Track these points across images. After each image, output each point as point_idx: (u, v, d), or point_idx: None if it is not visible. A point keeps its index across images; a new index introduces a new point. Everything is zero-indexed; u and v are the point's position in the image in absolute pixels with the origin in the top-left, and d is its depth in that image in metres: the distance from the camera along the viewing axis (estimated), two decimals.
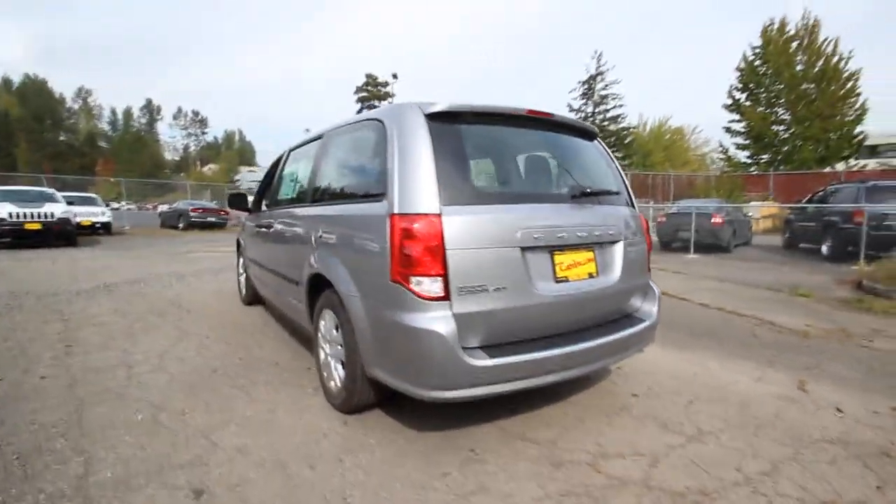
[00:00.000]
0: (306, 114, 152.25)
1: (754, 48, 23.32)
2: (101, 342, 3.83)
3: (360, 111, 33.46)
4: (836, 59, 20.94)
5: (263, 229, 3.90)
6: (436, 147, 2.03)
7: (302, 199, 3.14)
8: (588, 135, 2.69)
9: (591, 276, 2.32)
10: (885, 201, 8.09)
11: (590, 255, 2.33)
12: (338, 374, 2.54)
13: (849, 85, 20.70)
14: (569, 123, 2.54)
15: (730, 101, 24.43)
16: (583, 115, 38.24)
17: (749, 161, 24.53)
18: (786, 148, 22.58)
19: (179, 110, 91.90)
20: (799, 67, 21.83)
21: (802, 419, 2.57)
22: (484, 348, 1.97)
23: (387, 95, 31.52)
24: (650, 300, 2.65)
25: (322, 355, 2.78)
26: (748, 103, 23.70)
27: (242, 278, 5.24)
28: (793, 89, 22.04)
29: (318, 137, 3.10)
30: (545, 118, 2.43)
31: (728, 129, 24.57)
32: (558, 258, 2.21)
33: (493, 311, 1.98)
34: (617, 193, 2.60)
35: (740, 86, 24.12)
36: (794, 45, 22.16)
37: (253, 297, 5.01)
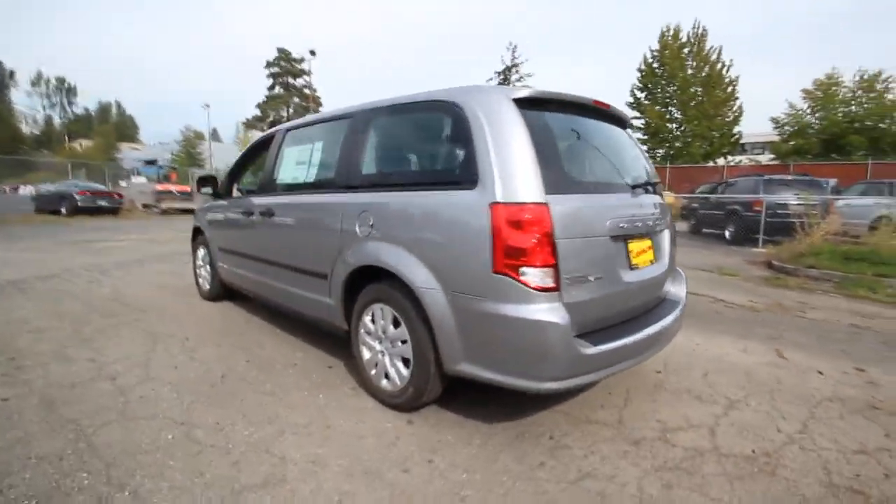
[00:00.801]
0: (205, 88, 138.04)
1: (653, 51, 25.75)
2: (54, 351, 3.20)
3: (272, 87, 31.17)
4: (719, 65, 23.91)
5: (251, 217, 3.50)
6: (530, 133, 1.98)
7: (325, 185, 2.87)
8: (624, 123, 2.79)
9: (651, 263, 2.45)
10: (778, 192, 9.50)
11: (649, 242, 2.45)
12: (397, 371, 2.40)
13: (729, 90, 23.78)
14: (615, 114, 2.61)
15: (632, 100, 26.81)
16: None
17: (648, 155, 27.24)
18: (678, 144, 25.39)
19: (40, 76, 77.99)
20: (690, 71, 24.58)
21: (797, 382, 2.97)
22: (582, 336, 1.99)
23: (302, 72, 29.66)
24: (680, 283, 2.86)
25: (366, 353, 2.60)
26: (647, 102, 26.19)
27: (203, 271, 4.68)
28: (684, 91, 24.77)
29: (345, 117, 2.84)
30: (603, 109, 2.48)
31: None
32: (631, 246, 2.29)
33: (592, 300, 2.01)
34: (659, 183, 2.76)
35: (640, 85, 26.55)
36: (686, 50, 24.87)
37: (219, 292, 4.51)
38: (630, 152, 2.71)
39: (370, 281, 2.53)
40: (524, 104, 2.07)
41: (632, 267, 2.27)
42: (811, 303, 5.15)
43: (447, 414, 2.44)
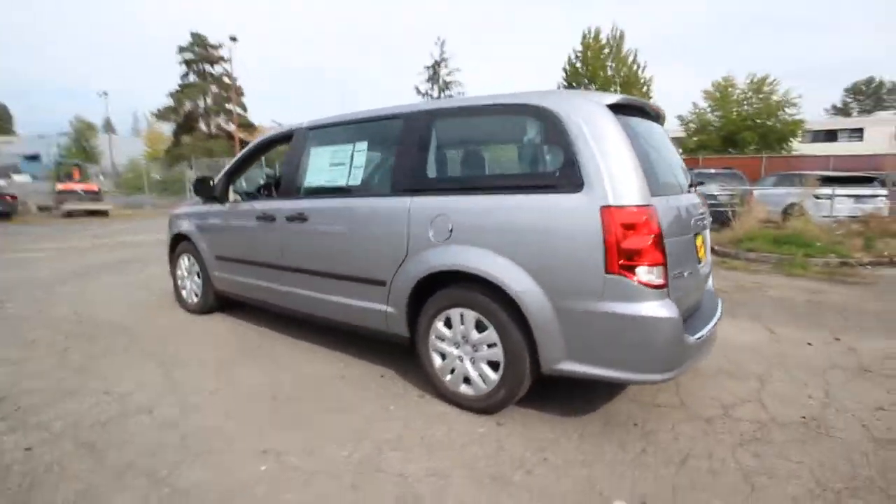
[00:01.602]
0: (104, 73, 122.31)
1: (576, 52, 27.24)
2: (51, 386, 2.77)
3: (186, 75, 28.44)
4: (635, 66, 25.89)
5: (271, 222, 3.25)
6: (628, 138, 2.07)
7: (378, 188, 2.74)
8: (662, 119, 2.94)
9: (704, 256, 2.66)
10: (707, 184, 10.57)
11: (702, 238, 2.66)
12: (482, 375, 2.39)
13: (644, 89, 25.85)
14: (661, 114, 2.78)
15: None
16: (429, 97, 39.62)
17: None
18: None
19: None
20: (610, 72, 26.35)
21: (798, 354, 3.39)
22: None
23: (220, 59, 27.39)
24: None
25: (438, 360, 2.56)
26: None
27: (189, 283, 4.25)
28: (605, 90, 26.51)
29: (395, 117, 2.73)
30: (654, 111, 2.63)
31: None
32: (697, 241, 2.47)
33: (686, 294, 2.15)
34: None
35: (566, 84, 27.97)
36: (606, 51, 26.60)
37: (211, 305, 4.13)
38: (674, 151, 2.89)
39: (441, 286, 2.48)
40: (614, 109, 2.15)
41: (699, 261, 2.46)
42: (764, 283, 5.84)
43: (527, 412, 2.48)
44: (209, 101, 27.47)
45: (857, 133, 32.60)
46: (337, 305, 2.97)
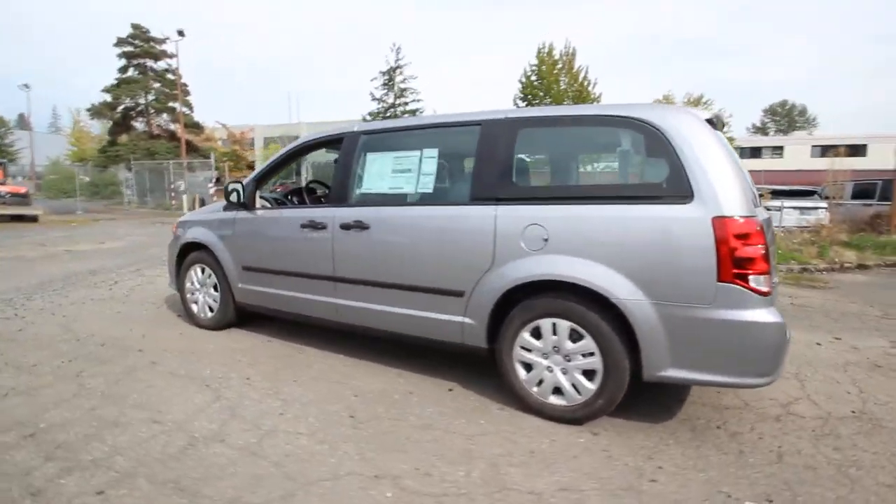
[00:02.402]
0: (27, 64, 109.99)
1: (532, 66, 28.22)
2: (84, 417, 2.46)
3: (125, 69, 26.18)
4: (586, 82, 27.22)
5: (320, 231, 3.08)
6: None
7: (455, 196, 2.68)
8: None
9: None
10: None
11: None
12: (576, 385, 2.39)
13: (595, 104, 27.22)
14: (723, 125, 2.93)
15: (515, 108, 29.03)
16: (385, 104, 39.44)
17: None
18: None
19: None
20: (563, 87, 27.52)
21: (815, 353, 3.68)
22: None
23: (164, 54, 25.53)
24: None
25: (523, 371, 2.53)
26: None
27: (202, 296, 3.93)
28: (558, 103, 27.63)
29: (470, 123, 2.70)
30: (720, 123, 2.78)
31: None
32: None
33: (776, 298, 2.28)
34: None
35: (522, 96, 28.87)
36: (559, 66, 27.77)
37: (231, 319, 3.84)
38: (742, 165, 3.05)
39: (526, 297, 2.47)
40: (709, 124, 2.26)
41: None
42: None
43: (612, 420, 2.51)
44: (151, 97, 25.52)
45: (779, 150, 36.21)
46: (403, 318, 2.86)
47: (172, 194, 19.56)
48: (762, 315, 2.06)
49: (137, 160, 21.09)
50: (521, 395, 2.55)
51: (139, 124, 26.43)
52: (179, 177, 20.50)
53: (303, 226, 3.20)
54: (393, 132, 3.06)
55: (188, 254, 4.02)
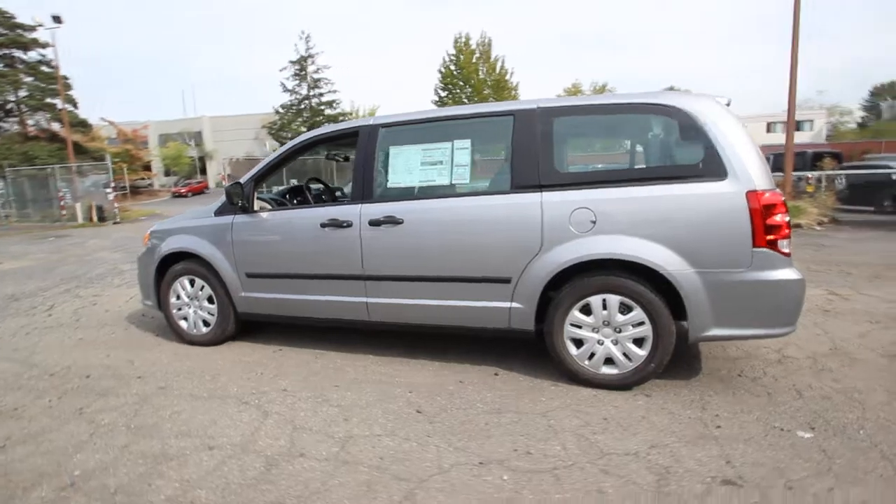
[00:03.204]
0: None
1: (450, 55, 28.54)
2: (121, 458, 2.20)
3: None
4: (504, 72, 28.13)
5: (344, 229, 2.97)
6: None
7: (496, 185, 2.72)
8: None
9: None
10: None
11: None
12: (627, 354, 2.58)
13: (514, 93, 28.25)
14: None
15: (436, 98, 29.22)
16: (298, 96, 37.57)
17: None
18: None
19: None
20: (482, 76, 28.20)
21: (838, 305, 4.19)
22: None
23: (35, 44, 21.83)
24: None
25: (573, 347, 2.68)
26: (449, 101, 28.94)
27: (194, 310, 3.59)
28: (478, 92, 28.31)
29: (503, 114, 2.75)
30: None
31: None
32: None
33: None
34: None
35: (442, 86, 29.15)
36: (476, 56, 28.39)
37: (231, 331, 3.56)
38: None
39: (576, 277, 2.61)
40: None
41: None
42: None
43: (655, 383, 2.73)
44: (23, 94, 21.82)
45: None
46: (444, 310, 2.87)
47: (62, 203, 17.08)
48: (789, 273, 2.38)
49: (13, 167, 18.06)
50: (574, 369, 2.70)
51: (9, 125, 22.56)
52: (68, 183, 17.95)
53: (323, 225, 3.05)
54: (416, 124, 3.01)
55: (169, 266, 3.63)
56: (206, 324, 3.59)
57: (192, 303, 3.61)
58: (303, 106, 38.10)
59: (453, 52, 28.22)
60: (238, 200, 3.21)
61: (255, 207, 3.36)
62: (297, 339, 3.64)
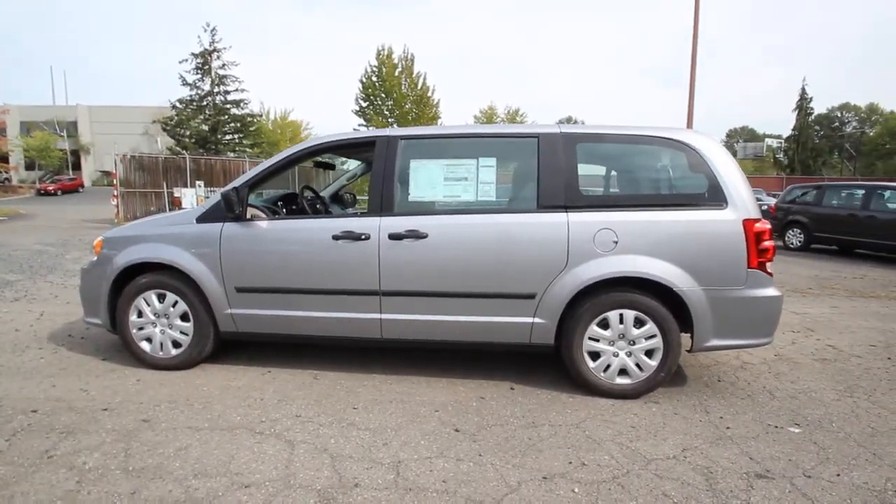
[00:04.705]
0: None
1: (372, 66, 28.33)
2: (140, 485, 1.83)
3: None
4: (426, 88, 28.59)
5: (360, 242, 2.83)
6: None
7: (522, 204, 2.81)
8: None
9: None
10: None
11: None
12: (639, 364, 2.79)
13: (436, 111, 28.82)
14: None
15: (357, 108, 28.77)
16: (200, 91, 34.54)
17: None
18: None
19: None
20: (404, 90, 28.37)
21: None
22: None
23: None
24: None
25: (591, 360, 2.83)
26: (370, 113, 28.67)
27: (163, 329, 3.14)
28: (399, 106, 28.43)
29: (525, 136, 2.86)
30: None
31: None
32: None
33: None
34: None
35: (364, 96, 28.77)
36: (398, 70, 28.52)
37: (208, 353, 3.18)
38: None
39: (597, 293, 2.77)
40: None
41: None
42: None
43: (653, 394, 2.99)
44: None
45: None
46: (466, 326, 2.86)
47: None
48: (773, 291, 2.78)
49: None
50: (592, 381, 2.85)
51: None
52: None
53: (335, 237, 2.88)
54: (438, 139, 2.99)
55: (130, 279, 3.14)
56: (176, 345, 3.16)
57: (158, 321, 3.15)
58: (205, 102, 35.13)
59: (375, 63, 28.09)
60: (237, 208, 2.90)
61: (248, 216, 3.07)
62: (285, 360, 3.36)
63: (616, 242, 2.73)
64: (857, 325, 4.63)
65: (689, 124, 12.14)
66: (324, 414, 2.60)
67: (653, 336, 2.78)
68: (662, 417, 2.64)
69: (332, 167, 4.64)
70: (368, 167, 4.38)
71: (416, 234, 2.82)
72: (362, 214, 3.03)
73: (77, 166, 41.92)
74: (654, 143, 2.90)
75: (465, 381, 3.07)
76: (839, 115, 55.34)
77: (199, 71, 34.53)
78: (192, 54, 34.12)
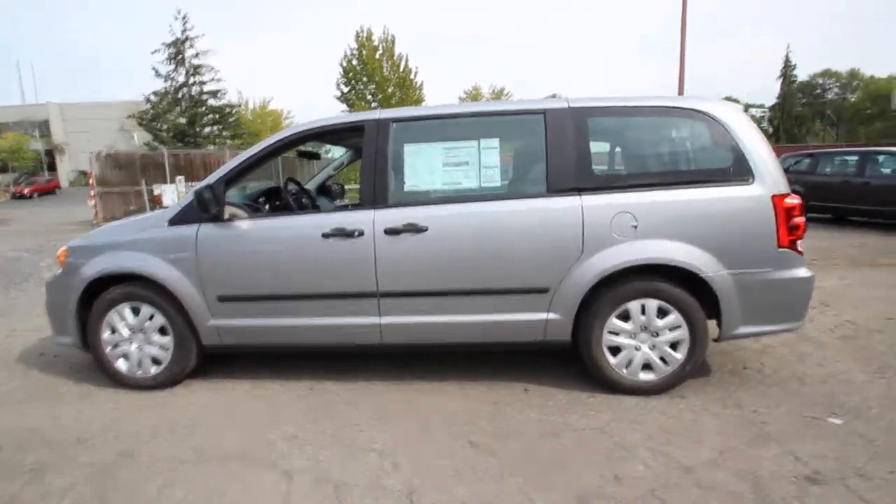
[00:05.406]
0: None
1: (353, 49, 27.47)
2: None
3: None
4: (408, 71, 27.85)
5: (353, 238, 2.55)
6: None
7: (528, 188, 2.53)
8: None
9: None
10: None
11: None
12: (664, 357, 2.58)
13: (419, 93, 28.15)
14: None
15: (339, 94, 27.99)
16: (174, 82, 33.39)
17: None
18: None
19: None
20: (386, 73, 27.61)
21: None
22: None
23: None
24: None
25: (611, 356, 2.61)
26: (352, 97, 27.90)
27: (135, 346, 2.86)
28: (382, 90, 27.69)
29: (529, 112, 2.58)
30: None
31: None
32: None
33: None
34: None
35: (345, 80, 27.96)
36: (380, 53, 27.71)
37: (190, 370, 2.91)
38: None
39: (616, 283, 2.54)
40: None
41: None
42: None
43: (677, 389, 2.78)
44: None
45: None
46: (474, 326, 2.62)
47: None
48: (804, 271, 2.56)
49: None
50: (612, 378, 2.63)
51: None
52: None
53: (325, 235, 2.59)
54: (435, 120, 2.70)
55: (99, 292, 2.84)
56: (155, 362, 2.87)
57: (134, 337, 2.86)
58: (181, 94, 33.99)
59: (355, 46, 27.24)
60: (213, 208, 2.59)
61: (226, 215, 2.76)
62: (277, 370, 3.09)
63: (636, 226, 2.48)
64: (869, 297, 4.47)
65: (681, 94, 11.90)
66: (323, 433, 2.36)
67: (678, 327, 2.56)
68: (693, 415, 2.44)
69: (317, 156, 4.31)
70: (356, 155, 4.09)
71: (414, 228, 2.55)
72: (353, 208, 2.75)
73: (53, 167, 40.55)
74: (672, 114, 2.63)
75: (475, 384, 2.84)
76: (820, 81, 55.44)
77: (172, 61, 33.34)
78: (164, 44, 32.90)
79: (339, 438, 2.31)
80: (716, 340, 2.66)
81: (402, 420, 2.46)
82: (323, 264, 2.64)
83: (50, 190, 33.50)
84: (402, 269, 2.60)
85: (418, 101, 28.15)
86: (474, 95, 31.25)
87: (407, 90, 27.59)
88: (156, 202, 15.20)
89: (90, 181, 15.85)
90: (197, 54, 33.76)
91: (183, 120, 33.78)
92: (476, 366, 3.05)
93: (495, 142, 2.62)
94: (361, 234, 2.58)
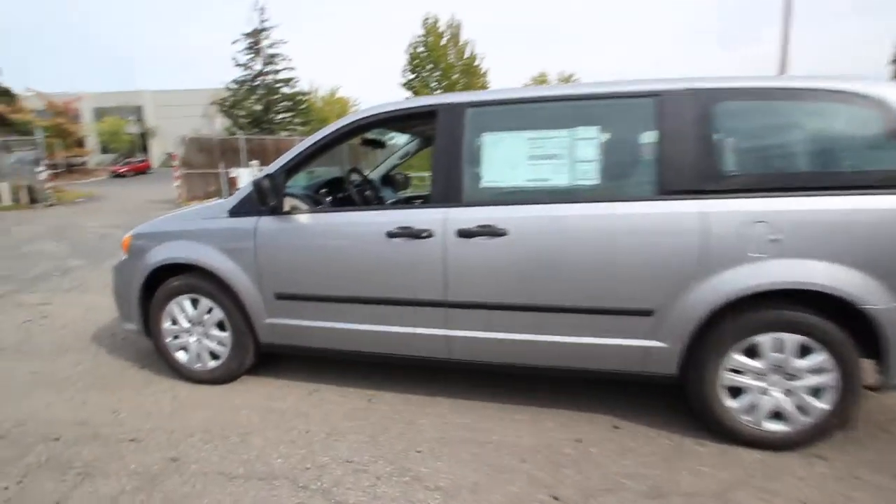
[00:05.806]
0: None
1: (419, 37, 27.31)
2: None
3: None
4: (474, 57, 27.29)
5: (423, 240, 2.24)
6: None
7: (625, 188, 2.12)
8: None
9: None
10: None
11: None
12: (802, 407, 2.04)
13: (484, 80, 27.53)
14: None
15: (404, 81, 28.01)
16: (252, 71, 34.99)
17: None
18: None
19: None
20: (451, 59, 27.22)
21: None
22: None
23: None
24: None
25: (732, 401, 2.11)
26: (418, 85, 27.81)
27: (198, 339, 2.75)
28: (447, 77, 27.35)
29: (637, 95, 2.12)
30: None
31: None
32: None
33: None
34: None
35: (410, 68, 27.92)
36: (445, 40, 27.34)
37: (248, 367, 2.76)
38: None
39: (742, 310, 2.03)
40: None
41: None
42: None
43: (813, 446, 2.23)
44: None
45: None
46: (556, 348, 2.22)
47: None
48: None
49: None
50: (731, 426, 2.13)
51: None
52: None
53: (391, 234, 2.30)
54: (519, 104, 2.30)
55: (162, 280, 2.75)
56: (214, 356, 2.76)
57: (194, 329, 2.75)
58: (257, 82, 35.62)
59: (422, 33, 26.99)
60: (272, 199, 2.38)
61: (286, 207, 2.55)
62: (335, 374, 2.87)
63: (776, 241, 1.95)
64: None
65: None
66: (381, 459, 2.08)
67: (824, 370, 2.01)
68: (839, 486, 1.90)
69: (381, 145, 4.06)
70: (424, 143, 3.78)
71: (491, 231, 2.18)
72: (422, 205, 2.43)
73: (145, 149, 44.29)
74: (826, 98, 2.02)
75: (553, 413, 2.44)
76: None
77: (250, 51, 34.95)
78: (243, 34, 34.51)
79: (399, 468, 2.02)
80: (872, 390, 2.08)
81: (468, 451, 2.13)
82: (386, 266, 2.35)
83: (142, 170, 36.65)
84: (476, 277, 2.25)
85: (483, 88, 27.53)
86: (541, 82, 29.98)
87: (472, 77, 27.05)
88: (232, 184, 15.99)
89: (173, 163, 16.94)
90: (272, 44, 35.16)
91: (259, 107, 35.38)
92: (552, 389, 2.66)
93: (592, 131, 2.17)
94: (430, 235, 2.26)
